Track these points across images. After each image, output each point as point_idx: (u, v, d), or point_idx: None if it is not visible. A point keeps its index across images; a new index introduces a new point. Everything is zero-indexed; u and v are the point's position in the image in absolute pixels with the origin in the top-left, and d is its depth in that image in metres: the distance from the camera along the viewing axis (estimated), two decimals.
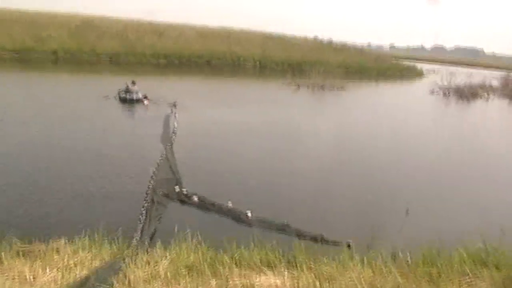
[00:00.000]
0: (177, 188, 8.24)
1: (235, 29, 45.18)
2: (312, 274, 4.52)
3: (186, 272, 4.35)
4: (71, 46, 32.88)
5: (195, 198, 7.85)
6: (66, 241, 5.10)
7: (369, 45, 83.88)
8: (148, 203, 7.31)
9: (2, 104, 15.45)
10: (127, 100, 17.28)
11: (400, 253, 5.28)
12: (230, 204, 7.57)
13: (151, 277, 4.22)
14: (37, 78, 24.75)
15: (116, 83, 18.80)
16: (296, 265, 4.73)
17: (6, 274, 4.21)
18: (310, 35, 50.85)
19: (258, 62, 38.78)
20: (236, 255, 4.85)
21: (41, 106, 15.68)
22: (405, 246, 5.50)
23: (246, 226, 6.91)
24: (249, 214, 7.23)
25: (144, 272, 4.30)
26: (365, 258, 5.01)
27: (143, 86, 18.16)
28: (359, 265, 4.84)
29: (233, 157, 11.14)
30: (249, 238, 5.31)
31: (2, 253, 4.61)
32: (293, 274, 4.55)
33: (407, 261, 5.04)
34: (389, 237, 6.57)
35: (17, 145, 10.69)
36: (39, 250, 4.82)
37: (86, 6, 73.51)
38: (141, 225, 6.35)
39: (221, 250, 4.95)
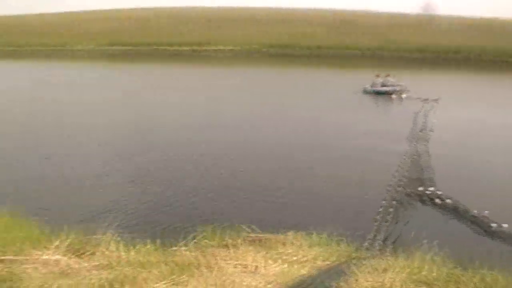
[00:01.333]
0: (423, 189, 7.41)
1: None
2: None
3: None
4: (329, 42, 34.88)
5: (447, 201, 6.86)
6: (293, 234, 5.03)
7: None
8: (389, 202, 6.79)
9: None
10: (381, 93, 17.39)
11: None
12: (486, 214, 6.31)
13: (375, 287, 3.73)
14: (292, 73, 27.18)
15: (367, 78, 18.84)
16: None
17: (230, 261, 4.38)
18: None
19: None
20: (476, 277, 3.84)
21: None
22: None
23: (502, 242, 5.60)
24: (506, 227, 5.86)
25: (368, 281, 3.84)
26: None
27: (399, 80, 17.93)
28: None
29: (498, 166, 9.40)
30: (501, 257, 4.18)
31: (229, 240, 4.78)
32: None
33: None
34: None
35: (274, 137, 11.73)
36: (265, 240, 4.90)
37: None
38: (377, 226, 5.90)
39: (460, 268, 4.02)
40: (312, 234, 5.07)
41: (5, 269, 4.13)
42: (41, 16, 49.29)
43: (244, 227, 5.11)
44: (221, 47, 38.44)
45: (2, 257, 4.39)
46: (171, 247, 4.82)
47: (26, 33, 43.75)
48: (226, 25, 41.94)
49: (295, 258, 4.46)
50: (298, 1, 48.12)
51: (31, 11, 54.61)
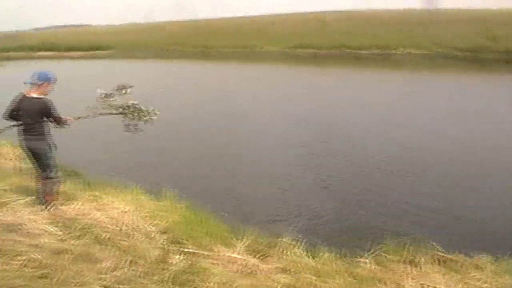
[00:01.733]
0: None
1: None
2: None
3: None
4: None
5: None
6: (485, 258, 4.62)
7: None
8: None
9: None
10: None
11: None
12: None
13: None
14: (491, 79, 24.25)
15: None
16: None
17: (413, 280, 4.15)
18: None
19: None
20: None
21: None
22: None
23: None
24: None
25: None
26: None
27: None
28: None
29: None
30: None
31: (422, 258, 4.58)
32: None
33: None
34: None
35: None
36: (450, 261, 4.56)
37: None
38: None
39: None
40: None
41: (188, 262, 4.29)
42: (229, 19, 53.46)
43: (429, 244, 4.86)
44: (411, 51, 36.19)
45: (185, 249, 4.55)
46: (350, 257, 4.82)
47: (214, 35, 47.76)
48: (415, 27, 39.44)
49: (485, 285, 4.03)
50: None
51: (218, 15, 59.80)
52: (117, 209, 5.29)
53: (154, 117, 6.05)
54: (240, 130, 12.90)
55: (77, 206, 5.24)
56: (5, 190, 5.44)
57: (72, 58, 50.70)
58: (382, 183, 8.31)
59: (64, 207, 5.16)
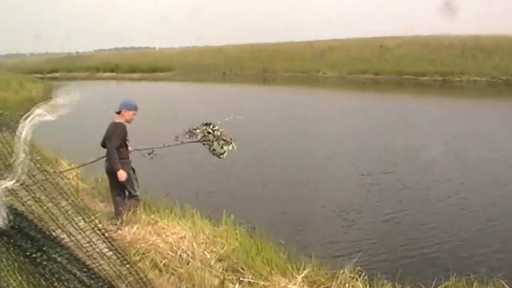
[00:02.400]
0: None
1: None
2: None
3: None
4: None
5: None
6: None
7: None
8: None
9: None
10: None
11: None
12: None
13: None
14: None
15: None
16: None
17: None
18: None
19: None
20: None
21: None
22: None
23: None
24: None
25: None
26: None
27: None
28: None
29: None
30: None
31: None
32: None
33: None
34: None
35: None
36: None
37: None
38: None
39: None
40: None
41: None
42: (288, 43, 54.86)
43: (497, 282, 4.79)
44: (475, 78, 36.02)
45: (243, 278, 4.58)
46: None
47: (273, 59, 49.25)
48: (479, 54, 39.18)
49: None
50: None
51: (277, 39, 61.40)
52: (175, 234, 5.33)
53: (235, 147, 6.33)
54: (310, 156, 13.21)
55: (135, 230, 5.23)
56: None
57: (133, 79, 53.24)
58: (451, 219, 8.07)
59: (122, 231, 5.18)
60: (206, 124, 6.26)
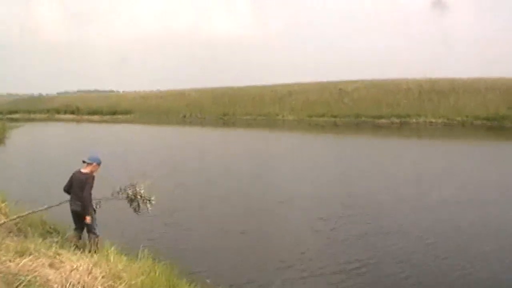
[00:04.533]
0: None
1: None
2: None
3: None
4: None
5: None
6: None
7: None
8: None
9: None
10: None
11: None
12: None
13: None
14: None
15: None
16: None
17: None
18: None
19: None
20: None
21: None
22: None
23: None
24: None
25: None
26: None
27: None
28: None
29: None
30: None
31: None
32: None
33: None
34: None
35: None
36: None
37: None
38: None
39: None
40: None
41: None
42: (249, 87, 56.16)
43: None
44: (432, 119, 37.72)
45: None
46: None
47: (234, 103, 50.42)
48: (435, 96, 41.23)
49: None
50: None
51: (238, 83, 62.88)
52: (73, 267, 5.12)
53: (152, 204, 7.15)
54: (264, 199, 12.98)
55: (28, 262, 4.97)
56: None
57: (92, 121, 53.96)
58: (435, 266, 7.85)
59: (11, 263, 4.90)
60: (132, 185, 7.13)
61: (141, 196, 7.18)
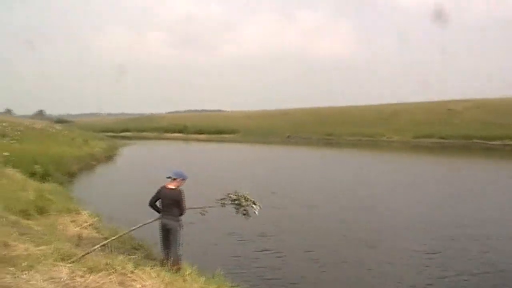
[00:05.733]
0: None
1: None
2: None
3: None
4: None
5: None
6: None
7: None
8: None
9: None
10: None
11: None
12: None
13: None
14: None
15: None
16: None
17: None
18: None
19: None
20: None
21: None
22: None
23: None
24: None
25: None
26: None
27: None
28: None
29: None
30: None
31: None
32: None
33: None
34: None
35: None
36: None
37: None
38: None
39: None
40: None
41: None
42: (353, 107, 57.00)
43: None
44: None
45: None
46: None
47: (337, 123, 51.58)
48: None
49: None
50: None
51: (343, 103, 63.40)
52: (144, 286, 5.22)
53: (260, 207, 7.26)
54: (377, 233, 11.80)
55: (97, 278, 5.07)
56: (44, 255, 5.29)
57: (199, 140, 57.39)
58: None
59: (81, 279, 4.98)
60: (235, 192, 7.41)
61: (246, 200, 7.33)
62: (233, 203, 7.31)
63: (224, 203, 7.35)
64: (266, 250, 9.83)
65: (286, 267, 8.85)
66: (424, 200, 16.14)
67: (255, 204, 7.23)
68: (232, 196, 7.33)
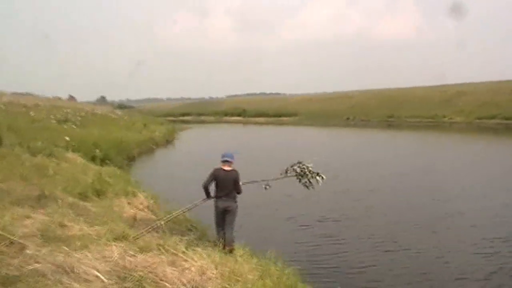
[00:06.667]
0: None
1: None
2: None
3: None
4: None
5: None
6: None
7: None
8: None
9: None
10: None
11: None
12: None
13: None
14: None
15: None
16: None
17: None
18: None
19: None
20: None
21: None
22: None
23: None
24: None
25: None
26: None
27: None
28: None
29: None
30: None
31: None
32: None
33: None
34: None
35: None
36: None
37: None
38: None
39: None
40: None
41: None
42: (415, 88, 55.14)
43: None
44: None
45: None
46: None
47: (399, 105, 50.18)
48: None
49: None
50: None
51: (405, 84, 61.34)
52: (193, 266, 5.19)
53: (323, 178, 7.37)
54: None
55: (147, 258, 5.09)
56: (97, 235, 5.46)
57: (258, 123, 57.61)
58: None
59: (132, 258, 5.00)
60: (299, 162, 7.49)
61: (310, 171, 7.36)
62: (296, 175, 7.39)
63: (288, 175, 7.45)
64: (327, 236, 9.53)
65: (347, 256, 8.47)
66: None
67: (318, 175, 7.29)
68: (296, 168, 7.40)
